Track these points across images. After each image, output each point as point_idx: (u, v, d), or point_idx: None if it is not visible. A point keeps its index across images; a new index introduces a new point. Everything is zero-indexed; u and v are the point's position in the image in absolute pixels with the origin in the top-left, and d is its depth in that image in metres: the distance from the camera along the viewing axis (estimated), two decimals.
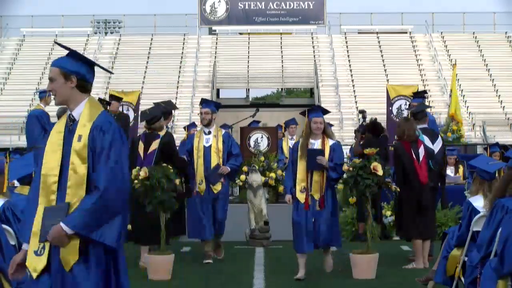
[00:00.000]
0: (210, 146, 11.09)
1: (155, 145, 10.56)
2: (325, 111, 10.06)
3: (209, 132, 11.17)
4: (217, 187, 11.10)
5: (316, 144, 9.83)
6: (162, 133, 10.85)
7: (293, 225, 9.86)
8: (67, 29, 41.32)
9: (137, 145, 10.83)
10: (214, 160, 11.06)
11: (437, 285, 8.05)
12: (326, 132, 9.92)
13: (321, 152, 9.75)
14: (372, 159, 9.97)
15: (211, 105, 11.32)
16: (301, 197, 9.76)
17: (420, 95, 15.69)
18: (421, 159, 10.66)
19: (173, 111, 14.29)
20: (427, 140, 11.11)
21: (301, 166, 9.77)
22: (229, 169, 11.14)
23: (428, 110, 16.25)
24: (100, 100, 16.45)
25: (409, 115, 11.60)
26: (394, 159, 10.94)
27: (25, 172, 7.49)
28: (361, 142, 12.66)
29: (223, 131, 11.33)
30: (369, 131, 12.61)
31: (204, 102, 11.38)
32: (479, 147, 19.94)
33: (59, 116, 13.70)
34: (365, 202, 10.04)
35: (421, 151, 10.70)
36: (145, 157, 10.56)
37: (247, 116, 17.83)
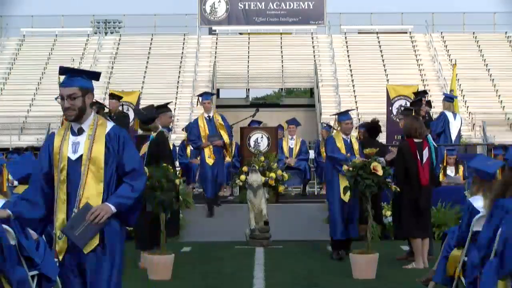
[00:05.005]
0: (81, 157, 5.36)
1: (145, 148, 10.54)
2: None
3: (81, 131, 5.43)
4: (93, 242, 5.26)
5: None
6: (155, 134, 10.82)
7: None
8: (67, 29, 41.27)
9: None
10: (91, 189, 5.30)
11: (437, 285, 8.06)
12: None
13: None
14: (372, 159, 9.99)
15: (78, 80, 5.44)
16: None
17: (420, 95, 15.71)
18: (424, 160, 10.68)
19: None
20: (431, 139, 11.22)
21: None
22: (112, 209, 5.25)
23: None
24: (97, 102, 16.42)
25: (420, 113, 11.63)
26: (397, 158, 10.93)
27: (26, 172, 7.50)
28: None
29: (110, 125, 5.53)
30: (368, 131, 12.61)
31: (64, 72, 5.48)
32: (479, 147, 19.94)
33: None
34: (365, 203, 10.04)
35: (425, 153, 10.71)
36: None
37: (247, 116, 17.83)
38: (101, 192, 5.30)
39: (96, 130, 5.42)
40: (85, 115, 5.43)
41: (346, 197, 10.86)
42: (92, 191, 5.29)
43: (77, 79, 5.44)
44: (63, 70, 5.46)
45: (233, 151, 16.42)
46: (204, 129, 14.52)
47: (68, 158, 5.37)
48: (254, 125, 17.14)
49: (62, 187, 5.34)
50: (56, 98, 5.55)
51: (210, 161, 14.46)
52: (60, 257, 5.32)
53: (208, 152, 14.49)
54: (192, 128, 14.94)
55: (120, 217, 5.36)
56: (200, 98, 14.69)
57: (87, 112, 5.44)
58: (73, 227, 5.15)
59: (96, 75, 5.58)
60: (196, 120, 14.84)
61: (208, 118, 14.58)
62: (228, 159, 16.30)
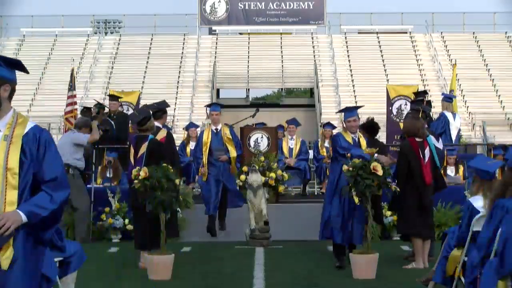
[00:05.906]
0: None
1: (143, 148, 10.54)
2: None
3: None
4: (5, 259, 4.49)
5: None
6: (161, 135, 10.83)
7: None
8: (67, 29, 41.29)
9: (128, 151, 10.82)
10: (7, 197, 4.52)
11: (437, 285, 8.06)
12: None
13: None
14: (372, 159, 9.98)
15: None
16: None
17: (420, 95, 15.72)
18: (426, 159, 10.68)
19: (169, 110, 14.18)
20: (434, 139, 11.19)
21: None
22: (23, 218, 4.47)
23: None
24: (97, 103, 16.41)
25: (421, 113, 11.61)
26: (399, 157, 10.92)
27: None
28: None
29: (30, 124, 4.67)
30: (366, 130, 12.56)
31: None
32: (479, 147, 19.93)
33: (78, 125, 13.60)
34: (365, 203, 10.02)
35: (427, 152, 10.72)
36: (135, 162, 10.53)
37: (247, 116, 17.83)
38: (14, 202, 4.45)
39: (14, 130, 4.53)
40: (1, 111, 4.55)
41: (356, 199, 10.19)
42: (6, 199, 4.46)
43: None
44: None
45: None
46: (206, 142, 13.67)
47: None
48: (259, 126, 17.16)
49: None
50: None
51: (204, 177, 13.70)
52: None
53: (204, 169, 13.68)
54: (198, 141, 14.11)
55: (29, 229, 4.46)
56: (208, 109, 13.93)
57: (4, 107, 4.54)
58: None
59: (18, 65, 4.65)
60: (202, 132, 14.12)
61: (215, 131, 13.71)
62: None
